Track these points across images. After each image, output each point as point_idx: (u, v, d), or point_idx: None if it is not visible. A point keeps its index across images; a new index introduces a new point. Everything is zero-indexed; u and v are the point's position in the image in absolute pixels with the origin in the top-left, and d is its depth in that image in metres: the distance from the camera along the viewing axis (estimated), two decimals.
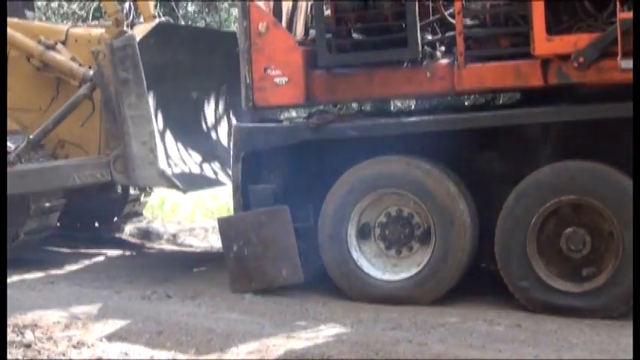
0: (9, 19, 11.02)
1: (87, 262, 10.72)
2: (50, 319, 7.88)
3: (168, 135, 10.34)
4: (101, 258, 11.21)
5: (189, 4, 20.23)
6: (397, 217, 8.83)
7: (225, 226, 9.13)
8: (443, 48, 8.84)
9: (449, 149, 8.85)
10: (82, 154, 10.66)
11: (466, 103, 11.93)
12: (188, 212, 14.75)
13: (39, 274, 9.85)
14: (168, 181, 9.55)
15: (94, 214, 12.19)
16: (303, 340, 7.40)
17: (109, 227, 12.51)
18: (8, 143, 10.13)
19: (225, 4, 20.92)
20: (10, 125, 10.64)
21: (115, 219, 12.42)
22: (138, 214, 12.84)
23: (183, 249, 12.43)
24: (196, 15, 20.48)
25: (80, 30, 11.22)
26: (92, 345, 7.17)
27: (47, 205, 10.26)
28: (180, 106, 10.80)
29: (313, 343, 7.27)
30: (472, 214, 8.58)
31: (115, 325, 7.81)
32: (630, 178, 7.78)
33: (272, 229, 8.83)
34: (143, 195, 12.65)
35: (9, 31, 10.71)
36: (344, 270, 8.81)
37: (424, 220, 8.74)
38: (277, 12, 9.37)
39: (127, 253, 11.73)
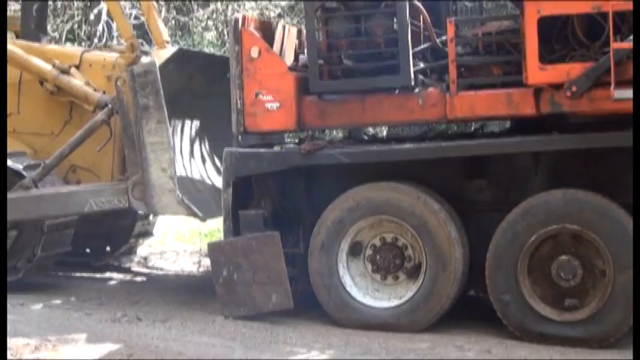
0: (23, 43, 10.89)
1: (57, 283, 10.47)
2: (20, 341, 7.70)
3: (184, 161, 10.16)
4: (71, 280, 10.97)
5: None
6: (391, 244, 8.70)
7: (215, 251, 8.96)
8: (434, 76, 8.77)
9: (439, 176, 8.78)
10: (94, 179, 10.46)
11: (446, 132, 11.84)
12: (159, 235, 14.56)
13: (9, 296, 9.53)
14: (187, 209, 9.30)
15: (105, 237, 11.79)
16: None
17: (121, 250, 12.16)
18: (18, 165, 9.88)
19: (199, 28, 20.81)
20: (22, 148, 10.48)
21: (128, 241, 12.07)
22: (148, 234, 12.51)
23: (154, 272, 12.21)
24: (171, 38, 20.33)
25: (94, 54, 11.05)
26: None
27: (61, 221, 9.99)
28: (193, 132, 10.64)
29: None
30: (463, 243, 8.47)
31: (85, 347, 7.71)
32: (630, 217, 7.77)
33: (262, 254, 8.67)
34: (152, 214, 12.39)
35: (23, 54, 10.53)
36: (327, 282, 8.66)
37: (417, 255, 8.61)
38: (269, 37, 9.25)
39: (98, 275, 11.49)
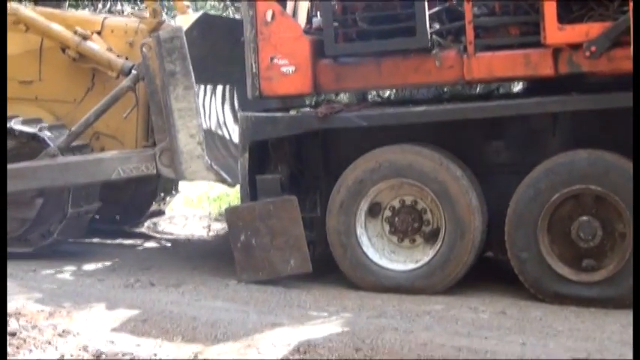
0: (44, 10, 10.74)
1: (66, 250, 10.33)
2: (34, 307, 7.64)
3: (209, 127, 9.98)
4: (81, 246, 10.85)
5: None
6: (411, 207, 8.59)
7: (232, 215, 8.86)
8: (451, 37, 8.61)
9: (456, 138, 8.67)
10: (118, 145, 10.32)
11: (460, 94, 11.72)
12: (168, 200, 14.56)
13: (20, 263, 9.51)
14: (217, 175, 9.18)
15: (132, 202, 11.76)
16: (288, 327, 7.22)
17: (150, 212, 12.17)
18: (47, 133, 9.83)
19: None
20: (43, 115, 10.36)
21: (138, 215, 12.09)
22: (161, 213, 12.51)
23: (165, 237, 12.14)
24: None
25: (116, 20, 10.93)
26: (78, 333, 6.94)
27: (83, 208, 9.94)
28: (216, 98, 10.49)
29: (298, 331, 7.10)
30: (483, 211, 8.36)
31: (99, 313, 7.62)
32: None
33: (280, 218, 8.58)
34: (169, 196, 12.37)
35: (44, 21, 10.40)
36: (344, 241, 8.56)
37: (436, 220, 8.51)
38: (282, 1, 9.13)
39: (108, 241, 11.41)
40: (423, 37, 8.29)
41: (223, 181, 9.35)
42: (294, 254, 8.59)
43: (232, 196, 14.34)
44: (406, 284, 8.45)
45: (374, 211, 8.66)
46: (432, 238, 8.55)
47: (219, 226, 12.73)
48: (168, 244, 11.68)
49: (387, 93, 12.84)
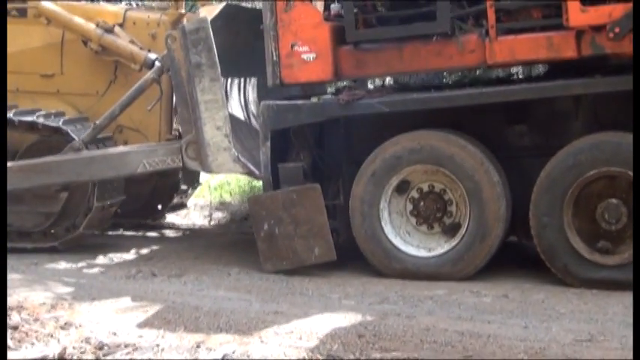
0: (65, 2, 10.51)
1: (64, 238, 10.01)
2: (36, 300, 7.54)
3: (233, 120, 9.85)
4: (79, 230, 10.53)
5: None
6: (438, 195, 8.46)
7: (255, 205, 8.71)
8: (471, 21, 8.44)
9: (478, 122, 8.53)
10: (142, 138, 10.17)
11: (481, 78, 11.57)
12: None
13: (21, 257, 9.41)
14: (244, 167, 9.00)
15: (153, 195, 11.55)
16: (291, 316, 7.14)
17: (172, 205, 12.02)
18: (70, 129, 9.66)
19: None
20: (66, 109, 10.23)
21: (160, 208, 11.90)
22: (183, 206, 12.37)
23: (166, 227, 12.03)
24: None
25: (138, 12, 10.75)
26: (80, 325, 6.84)
27: (108, 202, 9.81)
28: (240, 89, 10.33)
29: (301, 319, 7.03)
30: (507, 219, 8.23)
31: (101, 305, 7.54)
32: None
33: (303, 207, 8.43)
34: (191, 189, 12.22)
35: (65, 14, 10.23)
36: (366, 210, 8.43)
37: (460, 216, 8.38)
38: None
39: (109, 232, 11.23)
40: (444, 21, 8.15)
41: (250, 173, 9.18)
42: (318, 242, 8.44)
43: (233, 184, 14.24)
44: (412, 269, 8.35)
45: (402, 188, 8.50)
46: (450, 231, 8.41)
47: (221, 215, 12.69)
48: (170, 234, 11.56)
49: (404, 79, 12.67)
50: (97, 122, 9.62)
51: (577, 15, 7.71)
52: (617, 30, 7.60)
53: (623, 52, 7.77)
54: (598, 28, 7.75)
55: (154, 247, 10.32)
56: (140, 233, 11.33)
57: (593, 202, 7.95)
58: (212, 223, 12.32)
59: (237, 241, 10.89)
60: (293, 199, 8.49)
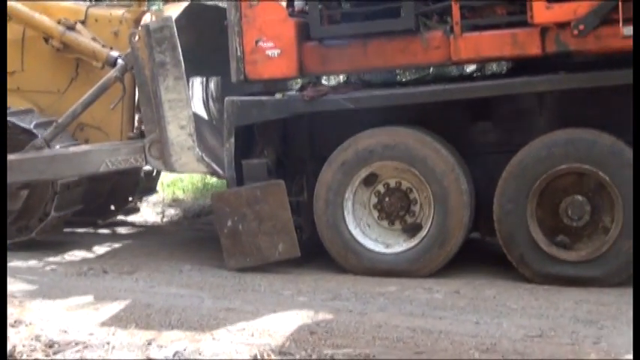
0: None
1: (16, 239, 9.86)
2: None
3: (196, 118, 9.74)
4: (31, 234, 10.32)
5: None
6: (404, 193, 8.41)
7: (219, 201, 8.59)
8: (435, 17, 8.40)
9: (443, 119, 8.50)
10: (103, 137, 10.02)
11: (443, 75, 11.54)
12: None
13: None
14: (208, 167, 8.86)
15: (110, 195, 11.36)
16: (243, 313, 7.07)
17: (126, 208, 11.81)
18: (27, 124, 9.53)
19: None
20: (26, 106, 10.07)
21: (131, 198, 11.69)
22: (152, 190, 12.13)
23: (118, 223, 11.90)
24: None
25: (100, 9, 10.56)
26: (30, 323, 6.76)
27: (65, 212, 9.68)
28: (203, 88, 10.14)
29: (253, 316, 6.97)
30: (469, 228, 8.26)
31: (52, 302, 7.44)
32: None
33: (268, 203, 8.34)
34: (147, 195, 12.10)
35: (27, 11, 10.05)
36: (330, 198, 8.36)
37: (422, 217, 8.36)
38: None
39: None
40: (409, 18, 8.11)
41: (214, 172, 9.06)
42: (282, 239, 8.36)
43: (186, 181, 14.10)
44: (367, 265, 8.33)
45: (369, 180, 8.44)
46: (410, 231, 8.38)
47: (173, 212, 12.58)
48: (122, 231, 11.44)
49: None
50: (59, 120, 9.46)
51: (542, 12, 7.69)
52: (581, 27, 7.60)
53: (587, 49, 7.78)
54: (562, 25, 7.74)
55: (106, 245, 10.22)
56: (92, 230, 11.16)
57: (559, 196, 7.95)
58: (165, 220, 12.21)
59: (189, 238, 10.82)
60: (257, 195, 8.40)
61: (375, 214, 8.51)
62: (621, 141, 7.69)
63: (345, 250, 8.38)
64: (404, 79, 10.73)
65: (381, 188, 8.46)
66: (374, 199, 8.49)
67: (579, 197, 7.88)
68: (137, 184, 11.39)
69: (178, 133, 8.77)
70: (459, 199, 8.07)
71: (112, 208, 11.62)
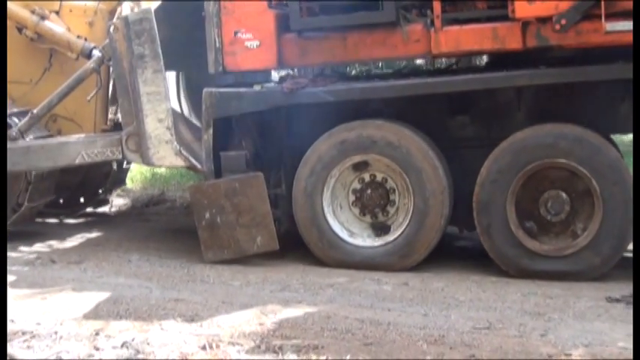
0: None
1: None
2: None
3: (173, 112, 9.59)
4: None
5: None
6: (386, 191, 8.35)
7: (197, 193, 8.44)
8: (416, 11, 8.31)
9: (421, 113, 8.41)
10: (76, 128, 9.83)
11: (421, 69, 11.47)
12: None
13: None
14: (186, 160, 8.70)
15: (80, 187, 11.24)
16: (192, 303, 7.01)
17: (96, 201, 11.65)
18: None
19: None
20: None
21: (101, 191, 11.55)
22: (122, 182, 12.01)
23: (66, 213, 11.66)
24: None
25: (74, 1, 10.31)
26: None
27: (38, 202, 9.56)
28: (180, 81, 10.07)
29: (202, 306, 6.91)
30: (444, 231, 8.18)
31: None
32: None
33: (246, 196, 8.21)
34: (117, 187, 11.94)
35: None
36: (316, 167, 8.25)
37: (396, 222, 8.31)
38: None
39: None
40: (390, 10, 8.01)
41: (192, 166, 8.89)
42: (260, 232, 8.24)
43: (135, 171, 13.86)
44: (336, 256, 8.28)
45: (360, 166, 8.34)
46: (379, 230, 8.35)
47: (122, 202, 12.45)
48: (70, 221, 11.27)
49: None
50: (35, 111, 9.28)
51: (523, 7, 7.63)
52: (563, 22, 7.54)
53: (567, 44, 7.73)
54: (544, 20, 7.67)
55: (54, 234, 10.09)
56: (39, 220, 10.92)
57: (545, 187, 7.88)
58: (113, 209, 12.05)
59: (138, 228, 10.69)
60: (235, 187, 8.26)
61: (352, 198, 8.41)
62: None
63: (311, 225, 8.31)
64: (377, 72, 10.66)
65: (366, 177, 8.35)
66: (356, 185, 8.38)
67: (563, 194, 7.82)
68: (108, 176, 11.23)
69: (156, 126, 8.62)
70: (436, 200, 8.03)
71: (82, 200, 11.46)
